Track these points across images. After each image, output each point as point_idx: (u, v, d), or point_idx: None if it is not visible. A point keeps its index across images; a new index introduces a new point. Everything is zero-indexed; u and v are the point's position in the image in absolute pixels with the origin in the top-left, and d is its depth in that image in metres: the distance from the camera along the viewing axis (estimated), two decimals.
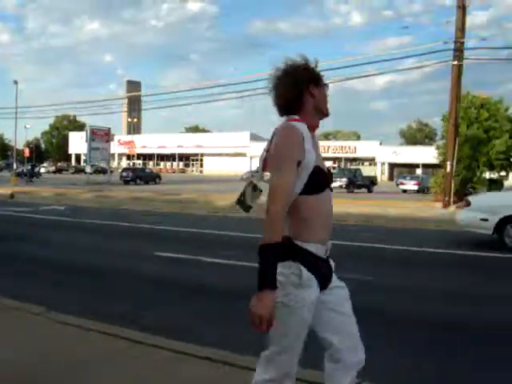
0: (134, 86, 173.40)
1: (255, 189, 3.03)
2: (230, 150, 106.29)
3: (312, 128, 3.06)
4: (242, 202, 3.08)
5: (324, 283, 3.02)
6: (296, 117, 3.01)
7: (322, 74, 3.13)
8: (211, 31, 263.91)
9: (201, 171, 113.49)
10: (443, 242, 14.92)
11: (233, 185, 55.09)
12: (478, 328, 6.80)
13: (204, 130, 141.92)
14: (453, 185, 28.27)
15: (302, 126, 2.94)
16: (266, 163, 2.99)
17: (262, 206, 2.87)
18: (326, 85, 3.15)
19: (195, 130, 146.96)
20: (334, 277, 3.14)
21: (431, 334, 6.59)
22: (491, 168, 47.87)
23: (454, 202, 28.43)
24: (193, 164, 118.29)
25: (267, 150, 3.01)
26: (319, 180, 2.95)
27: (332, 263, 3.12)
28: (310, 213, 2.94)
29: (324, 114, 3.16)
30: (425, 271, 10.87)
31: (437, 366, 5.47)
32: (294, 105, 3.05)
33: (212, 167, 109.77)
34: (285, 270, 2.87)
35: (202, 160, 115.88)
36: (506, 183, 51.23)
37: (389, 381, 4.80)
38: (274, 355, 2.98)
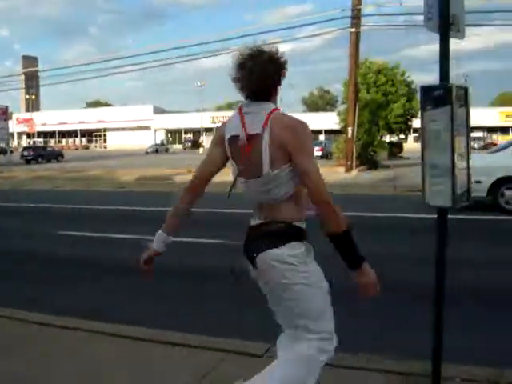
0: (30, 61, 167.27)
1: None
2: (134, 123, 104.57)
3: None
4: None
5: None
6: (275, 106, 3.06)
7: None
8: (109, 3, 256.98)
9: (105, 147, 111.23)
10: (355, 206, 15.30)
11: (137, 159, 54.65)
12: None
13: (106, 105, 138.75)
14: (354, 149, 28.93)
15: None
16: (275, 155, 2.95)
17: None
18: None
19: (97, 104, 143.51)
20: None
21: None
22: (390, 131, 49.43)
23: (356, 166, 29.18)
24: (96, 140, 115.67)
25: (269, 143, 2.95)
26: None
27: None
28: (303, 194, 3.04)
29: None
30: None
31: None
32: (270, 92, 3.07)
33: (116, 142, 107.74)
34: (293, 252, 2.97)
35: (105, 135, 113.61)
36: (406, 146, 52.95)
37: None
38: (313, 326, 3.08)
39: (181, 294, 7.29)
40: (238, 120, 3.05)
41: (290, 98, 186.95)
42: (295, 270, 2.96)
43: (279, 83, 3.10)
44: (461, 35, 3.64)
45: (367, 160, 31.58)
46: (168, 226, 3.23)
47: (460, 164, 3.43)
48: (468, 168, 3.56)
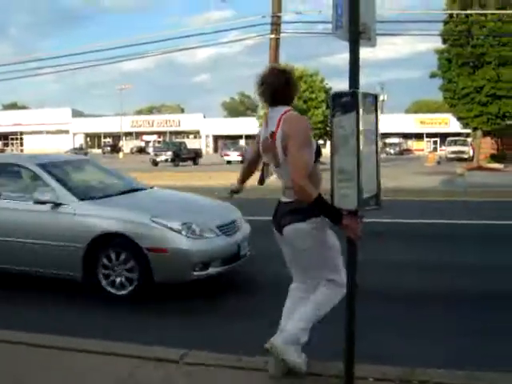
0: None
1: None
2: (52, 127, 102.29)
3: None
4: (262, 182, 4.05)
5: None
6: (287, 108, 4.15)
7: None
8: (30, 3, 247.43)
9: (21, 150, 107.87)
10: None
11: None
12: None
13: (24, 107, 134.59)
14: None
15: None
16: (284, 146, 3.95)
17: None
18: None
19: (13, 107, 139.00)
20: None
21: None
22: None
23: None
24: (12, 143, 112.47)
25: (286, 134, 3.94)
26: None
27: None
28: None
29: None
30: None
31: None
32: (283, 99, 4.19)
33: (33, 146, 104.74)
34: (312, 225, 4.04)
35: (21, 139, 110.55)
36: (324, 151, 53.64)
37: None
38: None
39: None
40: (264, 122, 4.27)
41: (209, 103, 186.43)
42: (312, 238, 4.03)
43: (289, 91, 4.19)
44: (372, 43, 3.74)
45: None
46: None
47: (368, 169, 3.52)
48: (377, 173, 3.65)
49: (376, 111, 3.60)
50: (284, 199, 4.16)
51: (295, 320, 4.15)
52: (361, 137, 3.45)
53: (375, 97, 3.62)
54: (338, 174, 3.58)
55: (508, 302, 6.66)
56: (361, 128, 3.44)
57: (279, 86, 4.08)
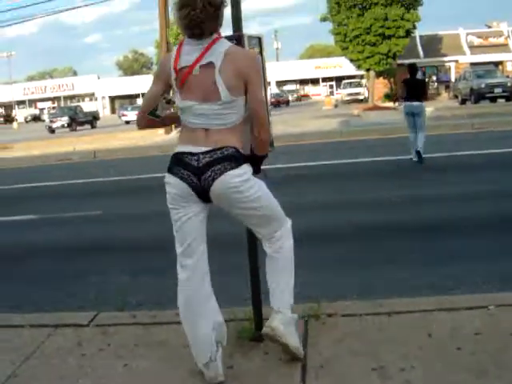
0: None
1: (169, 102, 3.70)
2: None
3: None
4: (153, 113, 3.37)
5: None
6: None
7: None
8: None
9: None
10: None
11: None
12: None
13: None
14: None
15: None
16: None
17: None
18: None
19: None
20: None
21: None
22: None
23: (176, 127, 29.23)
24: None
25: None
26: None
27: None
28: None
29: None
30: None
31: None
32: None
33: None
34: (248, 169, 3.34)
35: None
36: None
37: None
38: None
39: None
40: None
41: (103, 63, 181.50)
42: (252, 184, 3.29)
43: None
44: None
45: None
46: None
47: None
48: (268, 115, 3.66)
49: (261, 54, 3.58)
50: (204, 148, 3.22)
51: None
52: None
53: (259, 39, 3.61)
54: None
55: None
56: None
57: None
